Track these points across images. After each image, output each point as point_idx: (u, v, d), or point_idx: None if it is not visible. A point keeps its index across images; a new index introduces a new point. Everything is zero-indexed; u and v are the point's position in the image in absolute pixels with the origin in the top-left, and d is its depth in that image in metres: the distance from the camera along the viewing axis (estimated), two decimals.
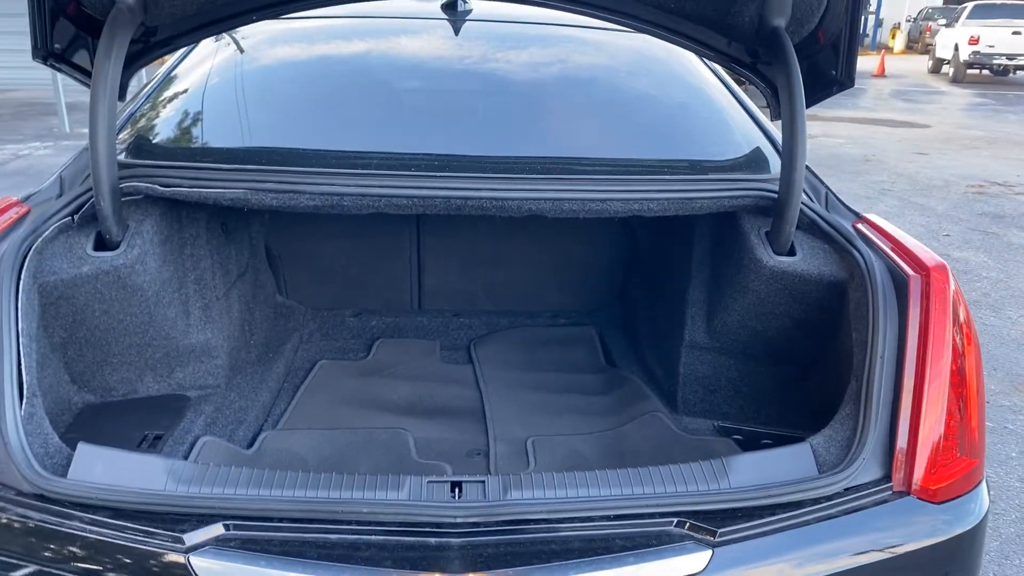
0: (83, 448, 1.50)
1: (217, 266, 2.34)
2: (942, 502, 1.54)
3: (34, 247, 1.72)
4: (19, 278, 1.64)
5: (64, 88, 9.47)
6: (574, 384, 2.57)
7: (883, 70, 20.26)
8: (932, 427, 1.55)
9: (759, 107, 2.49)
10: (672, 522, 1.44)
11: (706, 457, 1.62)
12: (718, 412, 2.30)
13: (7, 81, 10.03)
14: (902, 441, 1.55)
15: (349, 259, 2.95)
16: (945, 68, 20.13)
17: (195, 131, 2.24)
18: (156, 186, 1.86)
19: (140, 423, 2.03)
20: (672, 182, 2.01)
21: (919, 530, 1.53)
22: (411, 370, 2.66)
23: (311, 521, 1.42)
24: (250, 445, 2.12)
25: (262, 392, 2.40)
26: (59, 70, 1.95)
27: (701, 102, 2.57)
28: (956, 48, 18.86)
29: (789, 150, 1.91)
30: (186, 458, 1.88)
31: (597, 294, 3.07)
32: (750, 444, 2.08)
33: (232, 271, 2.48)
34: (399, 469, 2.01)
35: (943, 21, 23.00)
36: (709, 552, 1.39)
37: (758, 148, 2.29)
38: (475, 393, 2.51)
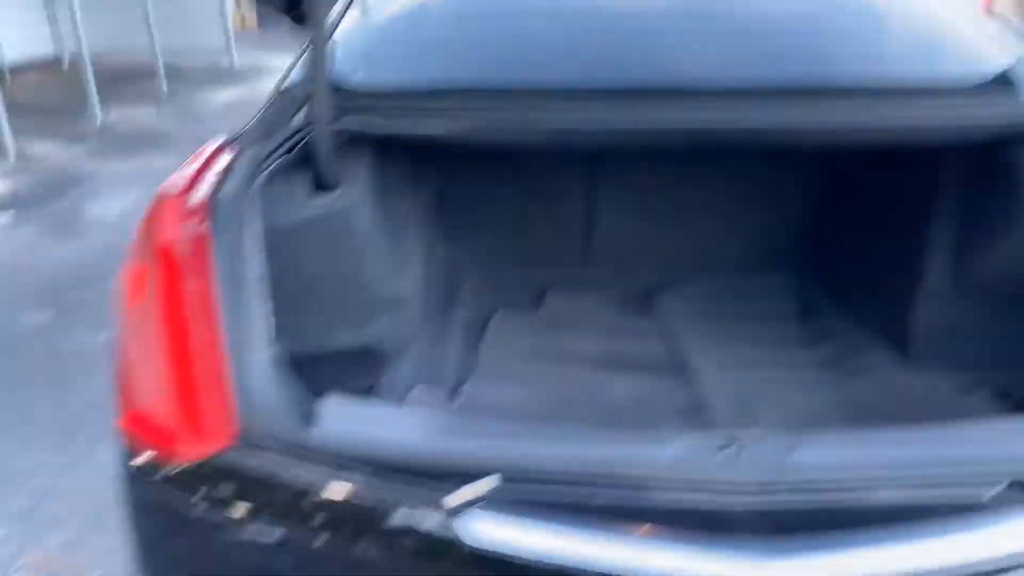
0: (332, 399, 1.41)
1: (409, 212, 2.23)
2: None
3: (252, 191, 1.62)
4: (254, 221, 1.54)
5: (162, 51, 9.57)
6: (775, 336, 2.37)
7: None
8: None
9: None
10: (1003, 483, 1.25)
11: (958, 416, 1.42)
12: (960, 364, 2.05)
13: (104, 46, 10.06)
14: None
15: (517, 208, 2.80)
16: None
17: (410, 60, 2.06)
18: (376, 121, 1.73)
19: (341, 376, 1.95)
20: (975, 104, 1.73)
21: None
22: (591, 323, 2.51)
23: (587, 482, 1.29)
24: (450, 398, 2.02)
25: (448, 344, 2.29)
26: None
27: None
28: None
29: None
30: None
31: (788, 239, 2.82)
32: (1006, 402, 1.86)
33: (418, 218, 2.37)
34: (614, 426, 1.87)
35: None
36: None
37: None
38: (666, 348, 2.34)
